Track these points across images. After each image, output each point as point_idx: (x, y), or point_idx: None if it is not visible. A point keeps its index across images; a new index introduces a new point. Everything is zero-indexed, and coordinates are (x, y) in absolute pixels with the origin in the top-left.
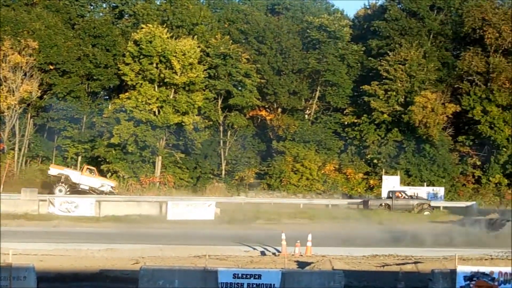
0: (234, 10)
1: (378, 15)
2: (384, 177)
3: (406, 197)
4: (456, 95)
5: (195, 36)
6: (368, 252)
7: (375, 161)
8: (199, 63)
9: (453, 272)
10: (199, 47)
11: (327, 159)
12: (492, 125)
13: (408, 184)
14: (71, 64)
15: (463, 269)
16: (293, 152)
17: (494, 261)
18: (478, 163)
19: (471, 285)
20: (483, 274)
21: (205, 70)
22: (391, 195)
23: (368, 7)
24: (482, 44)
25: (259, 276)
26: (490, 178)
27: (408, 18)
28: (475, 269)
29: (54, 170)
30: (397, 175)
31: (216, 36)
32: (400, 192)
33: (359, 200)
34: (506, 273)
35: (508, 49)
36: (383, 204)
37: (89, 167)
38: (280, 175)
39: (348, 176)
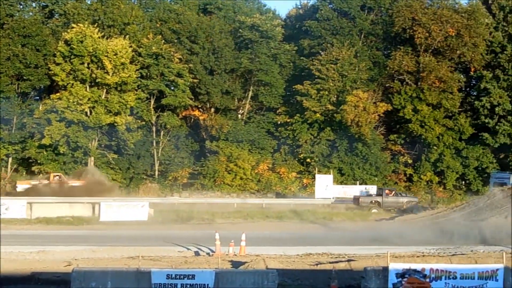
0: (166, 9)
1: (309, 15)
2: (317, 176)
3: (397, 194)
4: (387, 94)
5: (127, 36)
6: (302, 251)
7: (308, 160)
8: (131, 63)
9: (385, 270)
10: (130, 47)
11: (261, 159)
12: (423, 124)
13: (341, 183)
14: (0, 64)
15: (395, 266)
16: (226, 152)
17: (425, 258)
18: (410, 161)
19: (403, 282)
20: (415, 271)
21: (137, 70)
22: (381, 193)
23: (299, 7)
24: (412, 43)
25: (193, 277)
26: (422, 176)
27: (340, 18)
28: (407, 266)
29: (22, 186)
30: (330, 174)
31: (148, 36)
32: (389, 189)
33: (350, 198)
34: (437, 269)
35: (437, 49)
36: (373, 201)
37: (56, 174)
38: (214, 175)
39: (282, 175)
